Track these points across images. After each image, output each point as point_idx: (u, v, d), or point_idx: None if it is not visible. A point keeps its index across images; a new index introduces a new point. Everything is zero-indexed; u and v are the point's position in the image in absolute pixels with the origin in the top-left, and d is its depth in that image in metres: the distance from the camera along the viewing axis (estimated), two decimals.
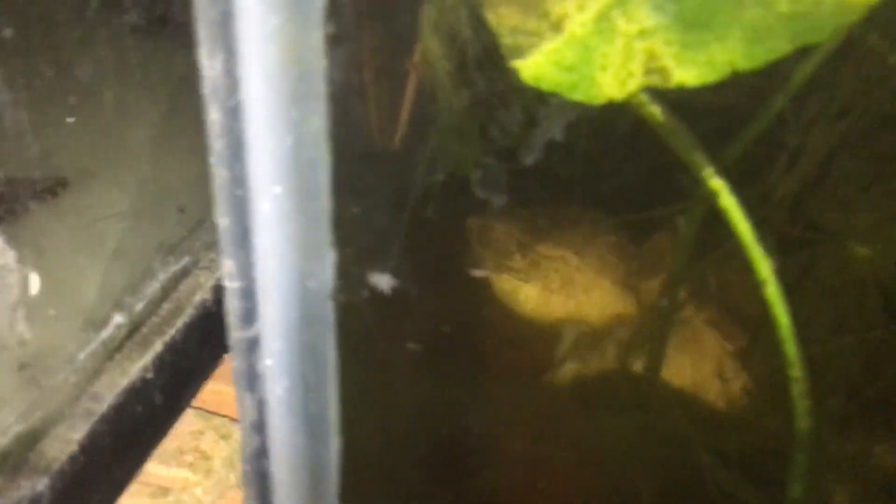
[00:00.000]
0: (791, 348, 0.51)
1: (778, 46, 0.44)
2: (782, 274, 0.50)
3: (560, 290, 0.52)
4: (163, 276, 0.77)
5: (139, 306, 0.75)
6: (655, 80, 0.45)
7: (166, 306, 0.77)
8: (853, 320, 0.50)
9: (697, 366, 0.54)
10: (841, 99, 0.46)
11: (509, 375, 0.55)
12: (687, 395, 0.55)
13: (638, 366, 0.55)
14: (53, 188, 0.64)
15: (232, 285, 0.54)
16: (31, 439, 0.63)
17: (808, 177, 0.48)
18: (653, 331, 0.54)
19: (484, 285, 0.52)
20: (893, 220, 0.48)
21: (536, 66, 0.45)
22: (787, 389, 0.52)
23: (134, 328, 0.74)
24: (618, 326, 0.54)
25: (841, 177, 0.47)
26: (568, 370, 0.54)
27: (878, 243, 0.49)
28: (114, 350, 0.72)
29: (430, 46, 0.45)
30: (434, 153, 0.48)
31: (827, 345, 0.52)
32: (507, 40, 0.46)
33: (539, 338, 0.54)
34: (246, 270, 0.53)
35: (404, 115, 0.47)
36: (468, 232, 0.51)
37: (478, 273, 0.50)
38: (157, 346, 0.73)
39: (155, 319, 0.75)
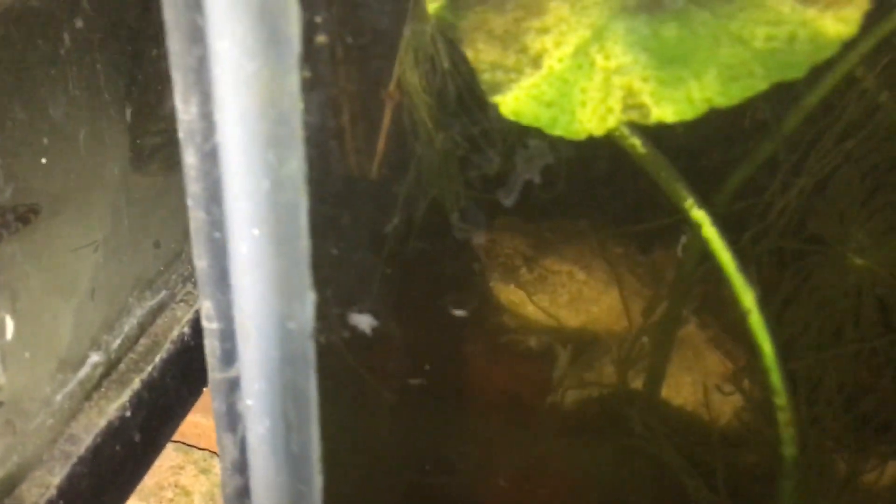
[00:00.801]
0: (776, 377, 0.52)
1: (754, 84, 0.44)
2: (782, 285, 0.50)
3: (569, 304, 0.52)
4: (139, 312, 0.76)
5: (116, 344, 0.74)
6: (634, 117, 0.45)
7: (143, 342, 0.76)
8: (851, 331, 0.51)
9: (698, 384, 0.55)
10: (841, 122, 0.47)
11: (505, 408, 0.54)
12: (686, 414, 0.55)
13: (638, 383, 0.55)
14: (25, 215, 0.63)
15: (210, 326, 0.54)
16: (8, 485, 0.62)
17: (807, 191, 0.48)
18: (654, 349, 0.54)
19: (477, 319, 0.51)
20: (888, 231, 0.49)
21: (516, 101, 0.45)
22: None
23: (111, 366, 0.73)
24: (614, 342, 0.54)
25: (839, 190, 0.48)
26: (567, 397, 0.54)
27: (874, 255, 0.50)
28: (91, 390, 0.71)
29: (410, 80, 0.45)
30: (414, 188, 0.48)
31: (824, 356, 0.52)
32: (486, 76, 0.46)
33: (546, 357, 0.53)
34: (224, 311, 0.52)
35: (381, 146, 0.47)
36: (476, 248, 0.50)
37: (461, 310, 0.50)
38: (135, 384, 0.72)
39: (132, 356, 0.74)
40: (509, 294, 0.51)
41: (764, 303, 0.50)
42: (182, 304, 0.80)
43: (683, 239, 0.50)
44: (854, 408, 0.52)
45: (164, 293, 0.79)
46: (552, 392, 0.54)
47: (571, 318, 0.52)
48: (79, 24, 0.61)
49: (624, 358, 0.54)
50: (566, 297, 0.51)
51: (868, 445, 0.54)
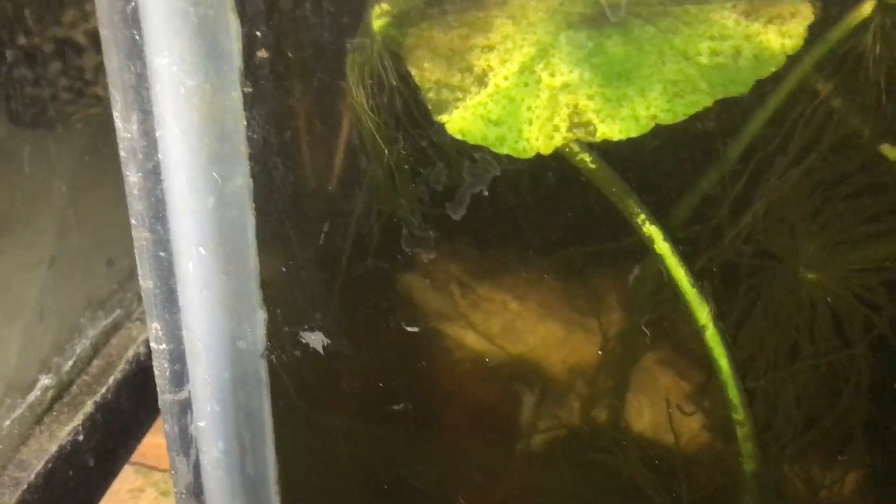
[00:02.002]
0: (733, 392, 0.51)
1: (698, 100, 0.44)
2: (735, 301, 0.50)
3: (501, 335, 0.51)
4: (92, 333, 0.75)
5: (67, 365, 0.72)
6: (580, 134, 0.44)
7: (97, 363, 0.74)
8: (806, 346, 0.50)
9: (655, 407, 0.54)
10: (791, 136, 0.46)
11: (463, 427, 0.54)
12: (647, 438, 0.55)
13: (600, 414, 0.54)
14: None
15: (159, 347, 0.52)
16: None
17: (758, 207, 0.48)
18: (612, 377, 0.54)
19: (427, 337, 0.51)
20: (838, 244, 0.48)
21: (462, 120, 0.45)
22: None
23: (62, 389, 0.71)
24: (575, 376, 0.53)
25: (789, 204, 0.47)
26: (539, 440, 0.54)
27: (825, 268, 0.49)
28: (42, 413, 0.69)
29: (357, 98, 0.44)
30: (365, 205, 0.47)
31: (780, 372, 0.52)
32: (431, 95, 0.45)
33: (491, 387, 0.53)
34: (173, 332, 0.51)
35: (339, 160, 0.46)
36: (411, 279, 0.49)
37: (415, 327, 0.49)
38: (88, 407, 0.70)
39: (85, 378, 0.73)
40: (449, 323, 0.50)
41: (719, 319, 0.50)
42: (137, 322, 0.79)
43: (636, 270, 0.50)
44: (813, 422, 0.52)
45: (118, 312, 0.78)
46: (509, 415, 0.53)
47: (507, 348, 0.51)
48: (20, 40, 0.60)
49: (587, 390, 0.54)
50: (499, 327, 0.51)
51: (828, 458, 0.54)
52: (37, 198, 0.64)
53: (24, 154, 0.63)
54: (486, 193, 0.43)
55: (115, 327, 0.78)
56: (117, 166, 0.45)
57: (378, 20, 0.44)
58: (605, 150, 0.46)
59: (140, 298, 0.80)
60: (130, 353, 0.76)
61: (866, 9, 0.44)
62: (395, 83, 0.45)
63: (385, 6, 0.44)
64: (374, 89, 0.45)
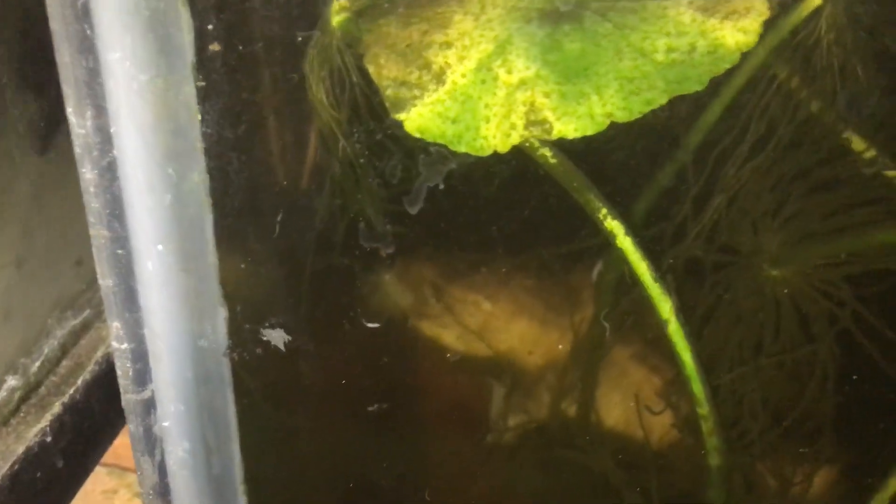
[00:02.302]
0: (697, 386, 0.51)
1: (654, 97, 0.43)
2: (699, 298, 0.50)
3: (472, 333, 0.51)
4: (60, 333, 0.74)
5: (35, 366, 0.71)
6: (537, 132, 0.44)
7: (66, 364, 0.74)
8: (771, 342, 0.50)
9: (627, 402, 0.54)
10: (751, 129, 0.46)
11: (432, 423, 0.53)
12: (618, 433, 0.55)
13: (570, 409, 0.54)
14: None
15: (120, 347, 0.52)
16: None
17: (720, 202, 0.48)
18: (582, 373, 0.54)
19: (391, 334, 0.50)
20: (801, 240, 0.48)
21: (420, 117, 0.44)
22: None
23: (30, 390, 0.70)
24: (545, 369, 0.53)
25: (750, 200, 0.47)
26: (508, 436, 0.53)
27: (788, 264, 0.49)
28: (8, 415, 0.68)
29: (316, 94, 0.44)
30: (330, 202, 0.46)
31: (745, 368, 0.52)
32: (388, 92, 0.45)
33: (466, 386, 0.53)
34: (134, 331, 0.51)
35: (297, 156, 0.46)
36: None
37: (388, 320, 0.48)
38: (56, 408, 0.70)
39: (53, 379, 0.72)
40: (415, 320, 0.50)
41: (684, 315, 0.50)
42: (107, 322, 0.78)
43: (600, 265, 0.49)
44: (779, 418, 0.52)
45: (87, 312, 0.77)
46: (475, 409, 0.53)
47: (482, 349, 0.51)
48: None
49: (556, 386, 0.53)
50: (469, 325, 0.50)
51: (796, 455, 0.53)
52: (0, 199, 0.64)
53: None
54: (441, 187, 0.42)
55: (85, 327, 0.77)
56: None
57: (337, 15, 0.44)
58: (569, 145, 0.45)
59: None
60: (100, 354, 0.76)
61: None
62: (354, 80, 0.45)
63: (344, 2, 0.44)
64: (334, 85, 0.44)
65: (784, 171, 0.47)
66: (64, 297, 0.74)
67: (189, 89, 0.41)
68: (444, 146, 0.43)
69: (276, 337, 0.48)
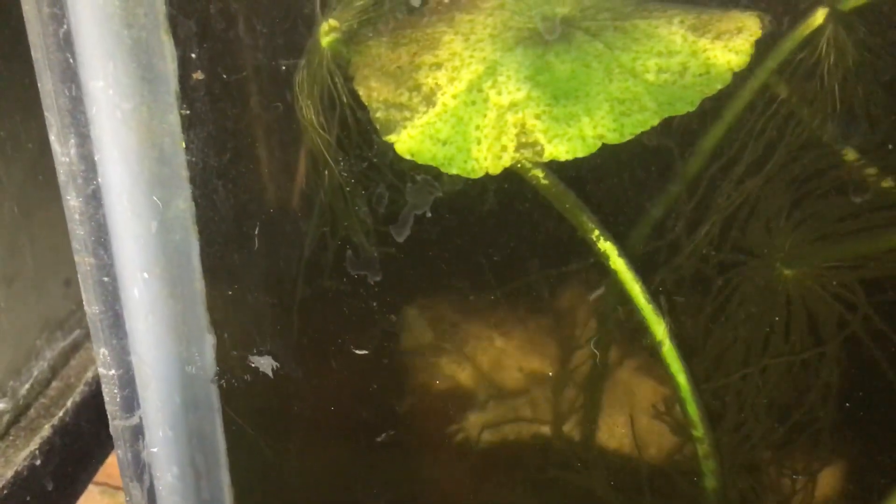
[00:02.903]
0: (692, 408, 0.51)
1: (646, 119, 0.43)
2: (711, 298, 0.49)
3: (491, 372, 0.51)
4: (50, 354, 0.73)
5: (24, 389, 0.70)
6: (528, 155, 0.43)
7: (55, 385, 0.73)
8: (781, 342, 0.50)
9: (636, 415, 0.53)
10: (763, 136, 0.46)
11: (416, 452, 0.53)
12: (627, 448, 0.54)
13: (574, 429, 0.54)
14: None
15: (108, 373, 0.51)
16: None
17: (733, 202, 0.47)
18: (586, 393, 0.53)
19: (376, 359, 0.50)
20: (814, 241, 0.48)
21: (411, 139, 0.44)
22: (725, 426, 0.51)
23: (19, 413, 0.70)
24: (534, 390, 0.53)
25: (764, 200, 0.47)
26: (474, 424, 0.53)
27: (801, 264, 0.49)
28: None
29: (306, 115, 0.44)
30: (317, 228, 0.46)
31: (754, 367, 0.51)
32: (379, 114, 0.44)
33: (446, 401, 0.52)
34: (121, 358, 0.50)
35: (297, 183, 0.45)
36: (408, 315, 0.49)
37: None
38: (46, 431, 0.69)
39: (42, 401, 0.71)
40: (442, 365, 0.50)
41: (687, 324, 0.49)
42: None
43: (601, 289, 0.49)
44: (784, 421, 0.52)
45: (77, 332, 0.76)
46: (473, 433, 0.53)
47: (465, 364, 0.51)
48: None
49: (557, 411, 0.53)
50: (486, 364, 0.50)
51: (798, 461, 0.53)
52: None
53: None
54: (429, 215, 0.42)
55: (74, 348, 0.76)
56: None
57: (326, 36, 0.43)
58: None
59: None
60: (90, 374, 0.75)
61: (818, 18, 0.43)
62: (345, 100, 0.44)
63: (333, 22, 0.43)
64: (324, 107, 0.44)
65: (797, 172, 0.46)
66: (53, 317, 0.74)
67: (173, 117, 0.41)
68: (432, 173, 0.43)
69: (264, 364, 0.48)
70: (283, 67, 0.39)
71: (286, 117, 0.42)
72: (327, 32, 0.43)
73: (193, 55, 0.39)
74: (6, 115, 0.63)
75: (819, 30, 0.44)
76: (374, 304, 0.45)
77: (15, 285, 0.67)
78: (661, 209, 0.48)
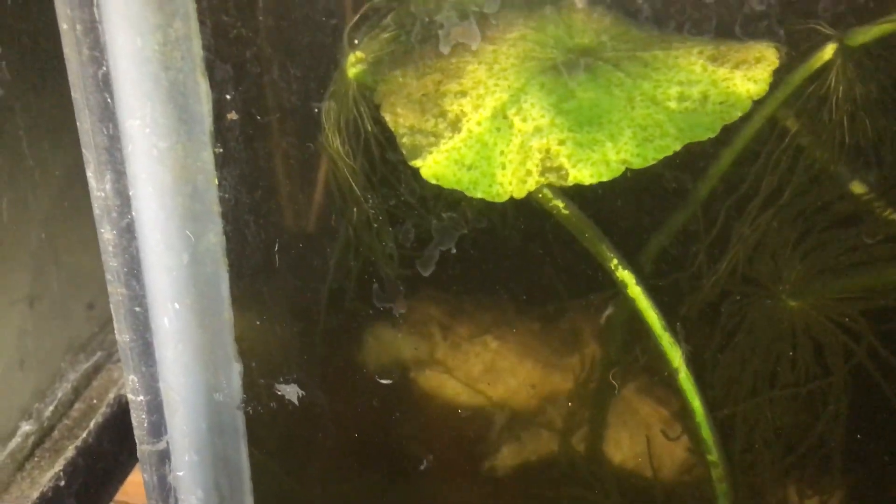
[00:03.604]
0: (707, 433, 0.52)
1: (668, 144, 0.44)
2: (718, 328, 0.50)
3: (483, 376, 0.52)
4: (73, 376, 0.75)
5: (48, 411, 0.72)
6: (553, 179, 0.45)
7: (78, 406, 0.74)
8: (787, 372, 0.51)
9: (636, 437, 0.54)
10: (770, 166, 0.47)
11: (441, 473, 0.54)
12: (629, 468, 0.55)
13: (579, 446, 0.55)
14: None
15: (136, 399, 0.53)
16: None
17: (741, 234, 0.48)
18: (590, 410, 0.54)
19: (402, 387, 0.51)
20: (820, 273, 0.49)
21: (436, 164, 0.45)
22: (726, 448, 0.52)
23: (44, 434, 0.71)
24: (548, 407, 0.54)
25: (771, 233, 0.48)
26: (505, 455, 0.53)
27: (807, 296, 0.50)
28: (23, 460, 0.69)
29: (332, 144, 0.45)
30: (343, 253, 0.47)
31: (761, 397, 0.52)
32: (405, 140, 0.45)
33: (471, 429, 0.53)
34: (150, 384, 0.52)
35: (310, 218, 0.46)
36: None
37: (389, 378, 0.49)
38: (69, 452, 0.70)
39: (66, 422, 0.73)
40: (426, 367, 0.50)
41: (696, 354, 0.50)
42: (119, 363, 0.79)
43: (610, 309, 0.50)
44: (793, 449, 0.53)
45: (99, 354, 0.78)
46: (489, 457, 0.54)
47: (487, 390, 0.52)
48: None
49: (563, 426, 0.54)
50: (480, 368, 0.51)
51: (808, 487, 0.54)
52: (15, 246, 0.64)
53: (2, 204, 0.63)
54: (454, 251, 0.43)
55: (96, 369, 0.77)
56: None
57: (353, 67, 0.45)
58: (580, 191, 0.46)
59: None
60: (111, 396, 0.76)
61: (828, 52, 0.45)
62: (370, 129, 0.46)
63: (359, 54, 0.45)
64: (350, 135, 0.45)
65: (804, 205, 0.47)
66: (76, 340, 0.75)
67: (207, 155, 0.42)
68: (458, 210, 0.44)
69: (290, 392, 0.49)
70: (316, 110, 0.41)
71: (316, 156, 0.44)
72: (353, 64, 0.45)
73: (228, 96, 0.41)
74: (35, 144, 0.65)
75: (828, 64, 0.45)
76: (399, 334, 0.46)
77: (40, 309, 0.68)
78: (668, 238, 0.49)
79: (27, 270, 0.65)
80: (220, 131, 0.41)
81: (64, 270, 0.70)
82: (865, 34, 0.43)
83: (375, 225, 0.46)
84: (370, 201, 0.46)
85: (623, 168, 0.44)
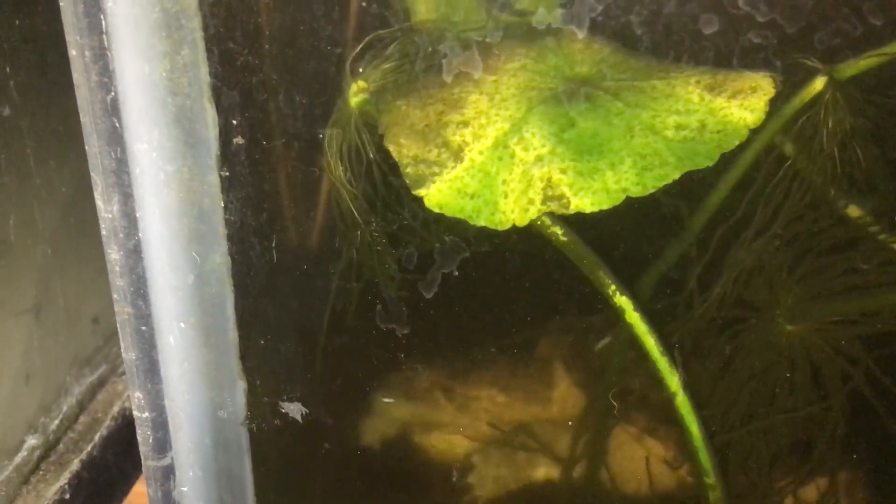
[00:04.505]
0: (704, 457, 0.52)
1: (667, 173, 0.45)
2: (716, 351, 0.51)
3: (470, 423, 0.52)
4: (78, 390, 0.75)
5: (54, 424, 0.72)
6: (554, 207, 0.45)
7: (83, 420, 0.75)
8: (785, 397, 0.51)
9: (631, 468, 0.55)
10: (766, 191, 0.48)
11: (450, 489, 0.54)
12: (629, 491, 0.55)
13: (579, 478, 0.55)
14: None
15: (142, 416, 0.53)
16: None
17: (738, 259, 0.49)
18: (590, 443, 0.55)
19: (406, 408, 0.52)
20: (816, 297, 0.49)
21: (440, 193, 0.46)
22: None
23: (49, 448, 0.72)
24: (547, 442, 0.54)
25: (768, 257, 0.48)
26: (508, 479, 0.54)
27: (804, 320, 0.50)
28: (28, 473, 0.69)
29: (335, 171, 0.46)
30: (343, 278, 0.48)
31: (758, 422, 0.52)
32: (409, 170, 0.46)
33: (469, 455, 0.53)
34: (155, 401, 0.52)
35: (314, 239, 0.47)
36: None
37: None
38: (74, 465, 0.71)
39: (71, 435, 0.73)
40: (434, 431, 0.51)
41: (693, 377, 0.51)
42: (123, 376, 0.79)
43: (607, 338, 0.51)
44: (788, 474, 0.53)
45: (103, 367, 0.78)
46: (491, 481, 0.54)
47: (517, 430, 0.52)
48: (6, 111, 0.61)
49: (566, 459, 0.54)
50: (510, 412, 0.51)
51: None
52: (21, 262, 0.65)
53: (10, 222, 0.64)
54: (456, 273, 0.44)
55: (101, 382, 0.78)
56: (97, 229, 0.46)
57: (356, 97, 0.45)
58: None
59: None
60: (116, 409, 0.77)
61: (818, 84, 0.45)
62: (372, 157, 0.46)
63: (362, 83, 0.45)
64: (352, 163, 0.46)
65: (800, 229, 0.48)
66: (81, 354, 0.76)
67: (213, 178, 0.43)
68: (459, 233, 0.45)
69: (294, 409, 0.50)
70: (321, 135, 0.41)
71: (319, 181, 0.44)
72: (356, 93, 0.45)
73: (234, 121, 0.41)
74: (42, 163, 0.66)
75: (819, 95, 0.46)
76: (402, 355, 0.47)
77: (47, 324, 0.69)
78: (666, 264, 0.49)
79: (33, 285, 0.66)
80: (227, 155, 0.42)
81: (69, 285, 0.71)
82: (853, 67, 0.44)
83: (378, 248, 0.47)
84: (372, 226, 0.47)
85: (623, 196, 0.45)
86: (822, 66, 0.43)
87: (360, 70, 0.44)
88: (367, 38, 0.41)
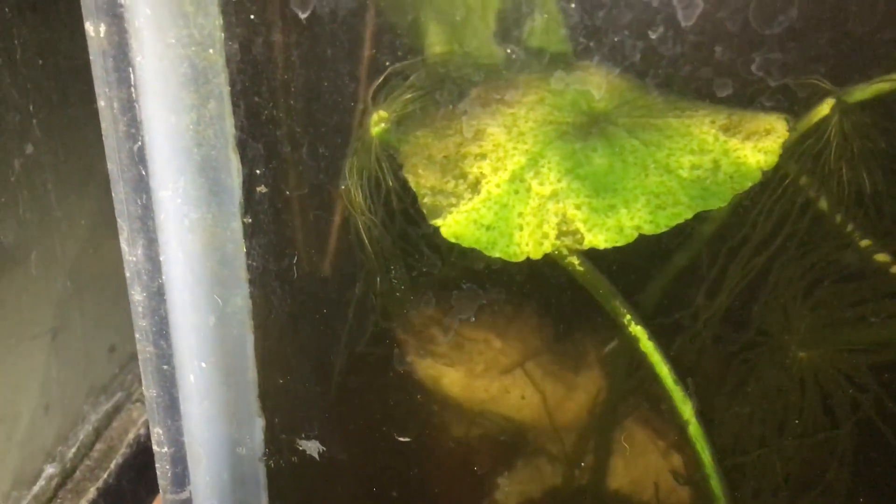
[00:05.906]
0: (716, 484, 0.53)
1: (680, 212, 0.45)
2: (728, 376, 0.51)
3: (484, 373, 0.52)
4: (94, 418, 0.76)
5: (71, 453, 0.73)
6: (568, 242, 0.46)
7: (99, 447, 0.76)
8: (795, 422, 0.52)
9: (631, 468, 0.55)
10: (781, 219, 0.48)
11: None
12: (628, 498, 0.56)
13: (580, 474, 0.56)
14: None
15: (161, 451, 0.54)
16: None
17: (752, 284, 0.49)
18: (595, 441, 0.55)
19: (419, 445, 0.52)
20: (828, 324, 0.50)
21: (456, 224, 0.46)
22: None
23: (66, 476, 0.72)
24: (547, 429, 0.54)
25: (781, 284, 0.49)
26: (510, 494, 0.54)
27: (816, 347, 0.51)
28: (46, 502, 0.70)
29: (355, 200, 0.46)
30: (360, 308, 0.49)
31: (770, 447, 0.53)
32: (426, 200, 0.47)
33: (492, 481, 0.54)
34: (175, 437, 0.53)
35: (332, 286, 0.48)
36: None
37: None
38: (91, 493, 0.72)
39: (88, 463, 0.74)
40: (426, 369, 0.51)
41: (705, 405, 0.51)
42: (138, 403, 0.80)
43: (614, 343, 0.51)
44: (800, 497, 0.53)
45: (119, 395, 0.79)
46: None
47: (487, 388, 0.52)
48: (29, 149, 0.62)
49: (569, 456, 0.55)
50: (482, 366, 0.51)
51: None
52: (42, 294, 0.66)
53: (31, 258, 0.65)
54: (473, 320, 0.45)
55: (116, 409, 0.79)
56: (118, 258, 0.47)
57: (376, 126, 0.46)
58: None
59: (140, 380, 0.81)
60: (131, 436, 0.78)
61: (824, 108, 0.46)
62: (391, 185, 0.47)
63: (382, 113, 0.46)
64: (371, 191, 0.46)
65: (814, 259, 0.48)
66: (98, 383, 0.77)
67: (236, 225, 0.44)
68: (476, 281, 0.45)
69: (311, 447, 0.51)
70: (343, 187, 0.42)
71: (341, 229, 0.45)
72: (377, 123, 0.46)
73: (258, 171, 0.42)
74: (63, 197, 0.67)
75: (826, 119, 0.46)
76: (419, 396, 0.47)
77: (65, 354, 0.70)
78: (677, 287, 0.50)
79: (52, 316, 0.67)
80: (250, 203, 0.43)
81: (87, 315, 0.72)
82: (862, 92, 0.45)
83: (398, 293, 0.48)
84: (393, 271, 0.48)
85: (636, 234, 0.46)
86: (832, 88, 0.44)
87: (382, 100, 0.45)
88: (386, 71, 0.42)
